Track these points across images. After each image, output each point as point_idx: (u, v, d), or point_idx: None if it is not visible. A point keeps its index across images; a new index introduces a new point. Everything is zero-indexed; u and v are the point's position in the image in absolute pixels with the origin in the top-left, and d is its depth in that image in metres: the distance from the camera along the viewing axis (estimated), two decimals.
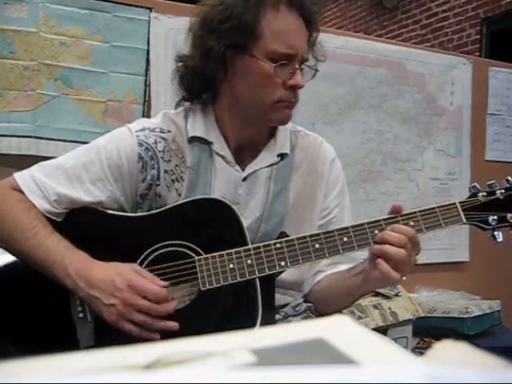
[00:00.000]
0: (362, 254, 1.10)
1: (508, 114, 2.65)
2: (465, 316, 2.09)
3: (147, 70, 1.88)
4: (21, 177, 1.05)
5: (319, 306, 1.16)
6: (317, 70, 1.08)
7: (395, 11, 5.49)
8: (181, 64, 1.11)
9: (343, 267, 1.11)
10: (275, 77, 1.00)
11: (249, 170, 1.09)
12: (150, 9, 1.88)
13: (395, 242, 0.94)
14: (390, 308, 1.95)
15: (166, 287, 0.95)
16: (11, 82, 1.71)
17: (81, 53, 1.79)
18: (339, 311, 1.13)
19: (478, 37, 4.57)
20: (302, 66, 1.04)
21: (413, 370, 0.25)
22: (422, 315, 2.03)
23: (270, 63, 1.00)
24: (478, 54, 4.46)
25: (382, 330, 1.84)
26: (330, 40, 2.21)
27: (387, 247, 0.94)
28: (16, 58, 1.72)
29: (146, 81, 1.88)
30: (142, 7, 1.87)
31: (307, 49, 1.05)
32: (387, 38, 4.81)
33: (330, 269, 1.14)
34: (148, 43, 1.88)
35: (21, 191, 1.03)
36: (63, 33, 1.77)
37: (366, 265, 1.01)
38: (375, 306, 1.93)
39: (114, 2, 1.83)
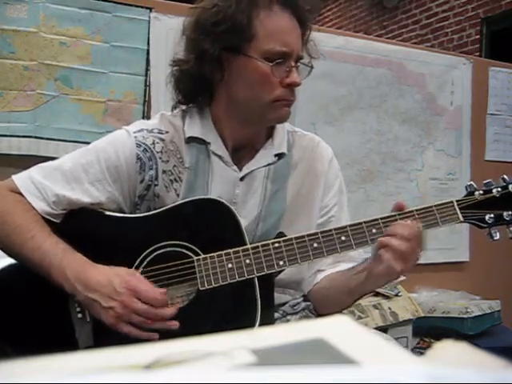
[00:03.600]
0: (362, 253, 1.10)
1: (508, 114, 2.65)
2: (465, 316, 2.09)
3: (147, 69, 1.88)
4: (19, 178, 1.04)
5: (319, 305, 1.16)
6: (312, 67, 1.09)
7: (395, 11, 5.49)
8: (176, 68, 1.11)
9: (343, 266, 1.12)
10: (272, 76, 1.01)
11: (246, 169, 1.10)
12: (150, 9, 1.88)
13: (399, 235, 0.95)
14: (390, 308, 1.95)
15: (164, 293, 0.95)
16: (11, 82, 1.71)
17: (81, 53, 1.80)
18: (339, 311, 1.13)
19: (478, 37, 4.57)
20: (298, 64, 1.05)
21: (413, 370, 0.25)
22: (422, 315, 2.03)
23: (267, 62, 1.00)
24: (478, 54, 4.46)
25: (382, 330, 1.84)
26: (329, 40, 2.22)
27: (389, 239, 0.95)
28: (16, 58, 1.72)
29: (146, 81, 1.88)
30: (142, 7, 1.87)
31: (301, 47, 1.06)
32: (387, 38, 4.81)
33: (330, 268, 1.14)
34: (148, 43, 1.88)
35: (19, 193, 1.03)
36: (63, 33, 1.77)
37: (368, 262, 1.01)
38: (375, 306, 1.93)
39: (114, 2, 1.83)
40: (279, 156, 1.12)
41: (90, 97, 1.81)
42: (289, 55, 1.01)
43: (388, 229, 0.97)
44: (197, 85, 1.09)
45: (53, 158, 1.09)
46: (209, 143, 1.08)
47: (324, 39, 2.18)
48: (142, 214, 1.06)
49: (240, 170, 1.09)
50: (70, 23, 1.78)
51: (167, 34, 1.86)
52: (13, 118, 1.72)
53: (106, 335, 0.95)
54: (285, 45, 1.01)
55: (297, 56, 1.04)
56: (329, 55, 2.20)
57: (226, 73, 1.04)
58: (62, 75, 1.77)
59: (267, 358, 0.27)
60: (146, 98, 1.88)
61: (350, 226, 1.00)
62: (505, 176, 1.04)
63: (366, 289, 1.05)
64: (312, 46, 1.10)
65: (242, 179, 1.09)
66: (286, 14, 1.02)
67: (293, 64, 1.02)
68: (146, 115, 1.86)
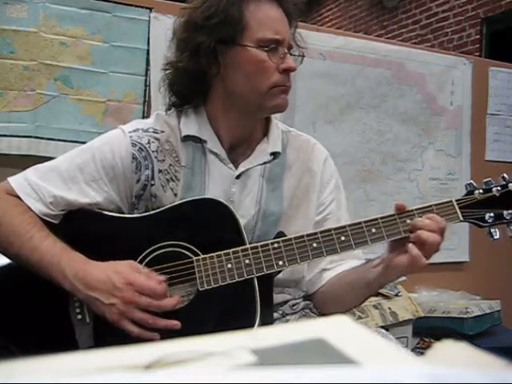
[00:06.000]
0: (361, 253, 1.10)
1: (508, 114, 2.65)
2: (465, 316, 2.09)
3: (147, 70, 1.88)
4: (15, 181, 1.04)
5: (329, 304, 1.14)
6: (303, 55, 1.11)
7: (395, 11, 5.49)
8: (169, 71, 1.11)
9: (350, 263, 1.12)
10: (269, 61, 1.03)
11: (242, 167, 1.10)
12: (150, 9, 1.88)
13: (428, 227, 0.96)
14: (389, 308, 1.95)
15: (164, 281, 0.96)
16: (11, 82, 1.71)
17: (81, 53, 1.80)
18: (352, 308, 1.15)
19: (478, 37, 4.56)
20: (290, 52, 1.07)
21: (413, 370, 0.25)
22: (422, 315, 2.03)
23: (262, 49, 1.03)
24: (477, 54, 4.46)
25: None
26: (329, 40, 2.22)
27: (423, 232, 0.96)
28: (16, 58, 1.72)
29: (146, 81, 1.88)
30: (141, 7, 1.87)
31: (291, 36, 1.09)
32: (387, 38, 4.81)
33: (335, 266, 1.13)
34: (148, 43, 1.88)
35: (16, 195, 1.02)
36: (63, 33, 1.77)
37: (385, 255, 1.01)
38: (375, 306, 1.93)
39: (114, 2, 1.83)
40: (274, 155, 1.12)
41: (89, 97, 1.81)
42: (281, 42, 1.04)
43: (416, 221, 0.98)
44: (192, 84, 1.09)
45: (52, 158, 1.09)
46: (205, 141, 1.09)
47: (324, 39, 2.20)
48: (140, 214, 1.06)
49: (236, 168, 1.10)
50: (70, 23, 1.78)
51: (167, 34, 1.85)
52: (13, 118, 1.72)
53: (106, 336, 0.95)
54: (276, 32, 1.04)
55: (288, 44, 1.06)
56: (329, 55, 2.20)
57: (221, 66, 1.05)
58: (62, 75, 1.77)
59: (267, 358, 0.27)
60: (146, 98, 1.88)
61: (350, 225, 1.00)
62: (505, 175, 1.04)
63: (384, 281, 1.06)
64: (299, 39, 1.12)
65: (237, 177, 1.09)
66: (274, 5, 1.06)
67: (286, 50, 1.05)
68: (146, 115, 1.86)
